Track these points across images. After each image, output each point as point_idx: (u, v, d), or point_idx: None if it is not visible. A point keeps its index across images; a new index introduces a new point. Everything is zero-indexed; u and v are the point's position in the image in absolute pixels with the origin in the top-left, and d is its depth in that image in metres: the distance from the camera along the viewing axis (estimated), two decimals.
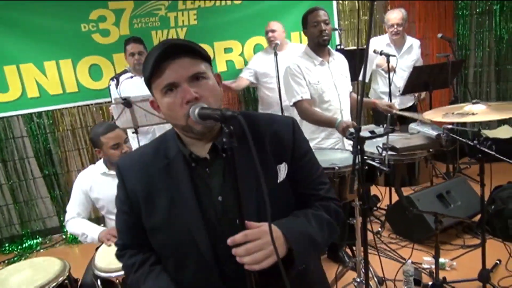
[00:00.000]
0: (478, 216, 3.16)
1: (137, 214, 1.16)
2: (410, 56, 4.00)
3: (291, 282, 0.91)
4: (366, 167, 1.89)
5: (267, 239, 0.93)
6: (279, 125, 1.17)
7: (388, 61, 3.46)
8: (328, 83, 2.60)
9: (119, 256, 1.28)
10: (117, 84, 3.00)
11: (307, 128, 2.59)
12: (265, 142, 1.12)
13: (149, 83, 1.08)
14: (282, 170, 1.14)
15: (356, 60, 3.14)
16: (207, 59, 1.08)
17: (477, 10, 4.97)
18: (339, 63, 2.70)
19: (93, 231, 2.25)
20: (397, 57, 3.78)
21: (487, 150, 2.11)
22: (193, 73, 1.03)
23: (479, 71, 5.15)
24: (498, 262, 2.70)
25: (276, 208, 0.97)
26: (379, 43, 3.89)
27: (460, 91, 5.04)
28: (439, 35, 4.13)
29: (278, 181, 1.13)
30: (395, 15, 3.84)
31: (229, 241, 0.95)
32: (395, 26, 3.83)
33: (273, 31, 3.78)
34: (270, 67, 3.73)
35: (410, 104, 4.14)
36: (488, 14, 4.93)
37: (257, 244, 0.94)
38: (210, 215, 1.10)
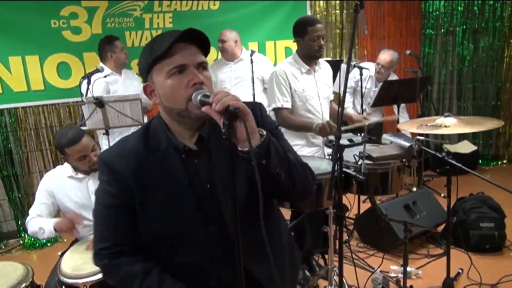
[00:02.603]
0: (441, 226, 3.29)
1: (129, 205, 1.14)
2: None
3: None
4: (343, 175, 1.92)
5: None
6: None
7: (361, 74, 3.57)
8: (313, 92, 2.63)
9: (112, 266, 1.18)
10: (88, 83, 2.90)
11: (286, 135, 2.60)
12: None
13: (151, 66, 1.11)
14: None
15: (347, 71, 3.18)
16: (207, 54, 1.15)
17: (442, 30, 5.22)
18: (324, 72, 2.72)
19: (48, 223, 2.13)
20: (372, 87, 3.98)
21: (456, 163, 2.20)
22: (201, 61, 1.10)
23: (442, 88, 5.40)
24: (460, 271, 2.81)
25: (255, 189, 0.97)
26: (368, 66, 4.01)
27: (425, 106, 5.25)
28: (408, 52, 4.31)
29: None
30: (384, 57, 3.92)
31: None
32: (380, 67, 3.95)
33: (223, 41, 3.73)
34: (227, 78, 3.79)
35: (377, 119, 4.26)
36: (452, 34, 5.19)
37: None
38: (202, 203, 1.15)
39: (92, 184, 2.21)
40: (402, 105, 4.04)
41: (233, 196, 0.99)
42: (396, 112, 3.90)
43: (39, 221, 2.18)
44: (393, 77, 4.20)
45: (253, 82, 3.62)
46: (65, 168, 2.28)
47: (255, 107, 1.23)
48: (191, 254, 1.18)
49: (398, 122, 3.91)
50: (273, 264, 0.94)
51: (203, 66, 1.11)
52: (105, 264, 1.19)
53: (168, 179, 1.13)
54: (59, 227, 2.09)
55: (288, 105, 2.57)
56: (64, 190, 2.24)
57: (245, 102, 1.23)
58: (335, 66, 3.55)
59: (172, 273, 1.19)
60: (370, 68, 4.02)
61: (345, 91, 1.74)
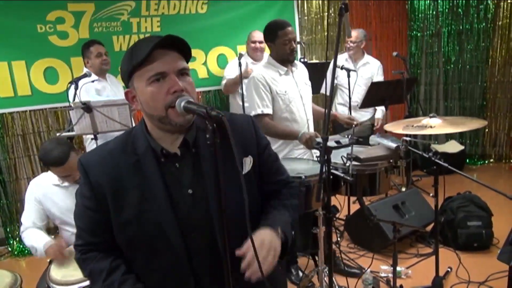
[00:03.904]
0: (430, 226, 3.33)
1: (104, 210, 1.15)
2: (365, 72, 4.23)
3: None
4: (331, 177, 1.93)
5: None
6: (241, 121, 1.25)
7: (348, 76, 3.60)
8: (294, 93, 2.58)
9: (83, 260, 1.22)
10: (76, 88, 2.88)
11: (271, 141, 2.58)
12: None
13: (132, 72, 1.10)
14: (247, 163, 1.21)
15: (327, 72, 3.22)
16: (188, 59, 1.16)
17: (428, 32, 5.29)
18: (301, 72, 2.70)
19: (40, 245, 2.09)
20: (357, 72, 3.98)
21: (442, 163, 2.24)
22: (182, 67, 1.09)
23: (429, 89, 5.47)
24: (449, 269, 2.84)
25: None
26: (339, 59, 4.07)
27: (412, 107, 5.31)
28: (394, 54, 4.36)
29: (243, 173, 1.18)
30: (352, 33, 4.12)
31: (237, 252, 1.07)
32: (349, 42, 4.21)
33: (261, 42, 3.87)
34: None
35: (367, 118, 4.30)
36: (437, 36, 5.26)
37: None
38: (181, 208, 1.14)
39: None
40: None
41: (219, 205, 0.97)
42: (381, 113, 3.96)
43: (33, 237, 2.15)
44: (371, 59, 4.33)
45: (241, 84, 3.64)
46: (51, 176, 2.25)
47: (249, 122, 1.25)
48: (169, 259, 1.16)
49: (386, 121, 3.98)
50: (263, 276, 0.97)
51: (184, 72, 1.10)
52: (77, 258, 1.24)
53: (142, 182, 1.13)
54: (48, 254, 2.06)
55: (269, 110, 2.50)
56: (50, 197, 2.23)
57: (235, 115, 1.27)
58: (322, 68, 3.58)
59: (151, 278, 1.18)
60: (344, 55, 4.26)
61: (331, 94, 1.75)
